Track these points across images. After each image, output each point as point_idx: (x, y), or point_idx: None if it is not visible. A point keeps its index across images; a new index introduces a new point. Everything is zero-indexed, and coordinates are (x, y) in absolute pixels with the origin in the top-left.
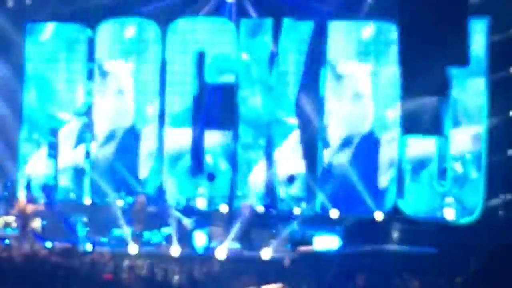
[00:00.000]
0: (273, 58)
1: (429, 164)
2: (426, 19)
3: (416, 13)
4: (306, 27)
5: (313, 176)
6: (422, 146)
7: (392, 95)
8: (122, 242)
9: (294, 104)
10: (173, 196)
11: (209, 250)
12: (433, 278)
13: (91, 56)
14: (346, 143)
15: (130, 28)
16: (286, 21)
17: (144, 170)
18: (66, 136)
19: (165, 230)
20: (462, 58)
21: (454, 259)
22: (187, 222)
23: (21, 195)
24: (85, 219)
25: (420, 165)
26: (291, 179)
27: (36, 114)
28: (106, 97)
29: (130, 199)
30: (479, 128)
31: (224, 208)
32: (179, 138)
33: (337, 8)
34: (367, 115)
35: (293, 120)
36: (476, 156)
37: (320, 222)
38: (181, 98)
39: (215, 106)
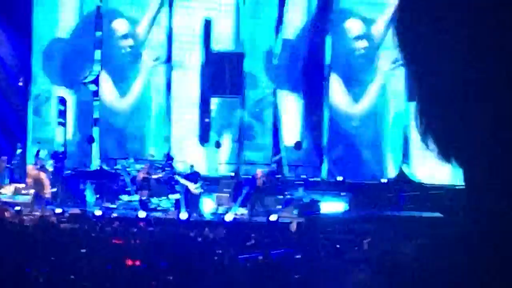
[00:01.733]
0: (278, 25)
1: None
2: None
3: None
4: None
5: (320, 142)
6: None
7: (397, 60)
8: (131, 208)
9: (300, 72)
10: (181, 162)
11: (216, 216)
12: (440, 242)
13: (98, 25)
14: (351, 109)
15: None
16: None
17: (151, 136)
18: (75, 104)
19: (173, 196)
20: None
21: (460, 223)
22: (192, 187)
23: (32, 162)
24: (94, 185)
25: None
26: (297, 146)
27: (44, 82)
28: (113, 64)
29: (138, 165)
30: None
31: (231, 175)
32: (187, 105)
33: None
34: (372, 81)
35: (299, 88)
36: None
37: (327, 187)
38: (187, 67)
39: (221, 73)
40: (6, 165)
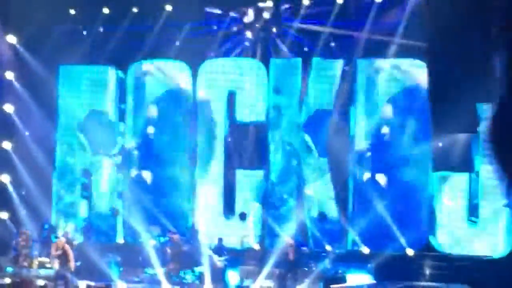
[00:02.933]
0: (303, 97)
1: (460, 200)
2: (454, 56)
3: (445, 50)
4: (335, 66)
5: (345, 213)
6: (453, 182)
7: (422, 131)
8: (156, 281)
9: (325, 143)
10: (206, 235)
11: None
12: None
13: (122, 97)
14: (377, 180)
15: (161, 68)
16: (315, 60)
17: (177, 209)
18: (99, 176)
19: (198, 269)
20: (491, 95)
21: None
22: (217, 260)
23: (58, 236)
24: (119, 258)
25: (451, 201)
26: (322, 217)
27: (68, 156)
28: (137, 137)
29: (163, 238)
30: None
31: (256, 247)
32: (211, 177)
33: (366, 47)
34: (397, 152)
35: (323, 159)
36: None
37: (352, 259)
38: (212, 138)
39: (246, 145)
40: (31, 239)
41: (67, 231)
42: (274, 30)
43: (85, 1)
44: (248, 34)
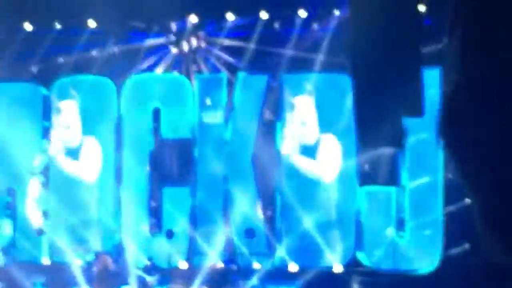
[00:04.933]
0: (228, 113)
1: (387, 215)
2: (379, 69)
3: (369, 64)
4: (260, 81)
5: (272, 230)
6: (380, 197)
7: (348, 146)
8: None
9: (251, 159)
10: (133, 254)
11: None
12: None
13: (46, 114)
14: (303, 195)
15: (84, 85)
16: (241, 75)
17: (102, 228)
18: (23, 195)
19: None
20: (416, 109)
21: None
22: (149, 280)
23: None
24: (43, 279)
25: (378, 216)
26: (250, 234)
27: None
28: (61, 155)
29: (89, 257)
30: (436, 177)
31: (183, 265)
32: (137, 195)
33: (290, 61)
34: (323, 167)
35: (250, 175)
36: (434, 206)
37: (280, 276)
38: (137, 155)
39: (172, 162)
40: None
41: None
42: (198, 44)
43: (6, 15)
44: (173, 49)
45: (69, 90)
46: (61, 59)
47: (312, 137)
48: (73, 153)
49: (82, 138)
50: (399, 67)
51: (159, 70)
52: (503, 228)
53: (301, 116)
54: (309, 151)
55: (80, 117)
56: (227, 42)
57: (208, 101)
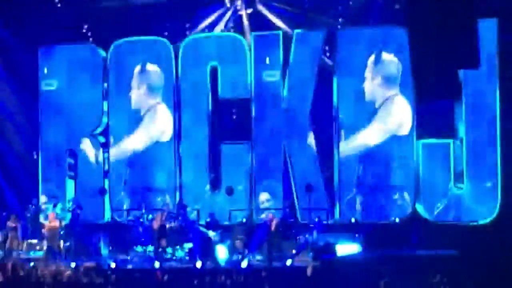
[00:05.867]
0: (285, 70)
1: (445, 167)
2: (435, 23)
3: (425, 17)
4: (316, 38)
5: (331, 184)
6: (438, 149)
7: (405, 100)
8: (145, 259)
9: (308, 115)
10: (194, 210)
11: (231, 263)
12: (455, 280)
13: (105, 76)
14: (362, 150)
15: (143, 46)
16: (297, 33)
17: (163, 186)
18: (85, 156)
19: (187, 245)
20: (472, 61)
21: (474, 259)
22: (211, 235)
23: (49, 216)
24: (107, 238)
25: (436, 168)
26: (309, 188)
27: (53, 136)
28: (122, 115)
29: (151, 215)
30: (493, 129)
31: (244, 221)
32: (196, 153)
33: (347, 16)
34: (380, 121)
35: (308, 131)
36: (491, 158)
37: (340, 229)
38: (196, 114)
39: (230, 120)
40: (18, 222)
41: (53, 211)
42: (255, 3)
43: None
44: (229, 8)
45: (127, 52)
46: (117, 20)
47: (373, 91)
48: (136, 115)
49: (145, 100)
50: (454, 20)
51: (216, 29)
52: None
53: (363, 71)
54: (369, 107)
55: (141, 79)
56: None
57: (266, 60)
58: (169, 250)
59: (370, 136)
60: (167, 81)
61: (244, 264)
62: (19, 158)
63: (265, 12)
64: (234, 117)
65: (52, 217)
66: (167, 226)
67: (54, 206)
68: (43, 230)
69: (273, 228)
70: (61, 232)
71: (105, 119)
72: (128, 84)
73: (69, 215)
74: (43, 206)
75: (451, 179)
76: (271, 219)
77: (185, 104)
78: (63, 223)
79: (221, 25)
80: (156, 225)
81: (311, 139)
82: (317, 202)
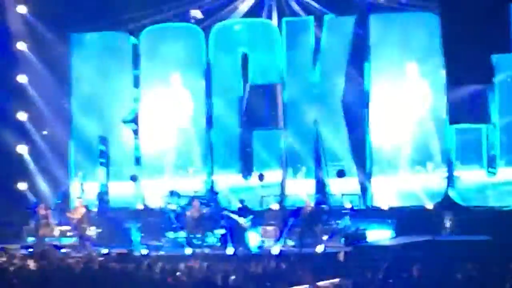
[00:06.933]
0: (316, 55)
1: (478, 152)
2: (467, 7)
3: (457, 1)
4: (347, 23)
5: (363, 169)
6: (470, 134)
7: (437, 85)
8: (177, 245)
9: (341, 100)
10: (225, 197)
11: (263, 249)
12: (488, 265)
13: (136, 63)
14: (393, 135)
15: (173, 33)
16: (328, 18)
17: (195, 172)
18: (116, 143)
19: (219, 232)
20: (505, 45)
21: (506, 245)
22: (242, 222)
23: (77, 203)
24: (139, 224)
25: (469, 153)
26: (341, 174)
27: (84, 123)
28: (152, 102)
29: (183, 201)
30: None
31: (275, 207)
32: (228, 139)
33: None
34: (413, 106)
35: (340, 116)
36: None
37: (372, 215)
38: (227, 100)
39: (261, 106)
40: (49, 209)
41: (86, 198)
42: None
43: None
44: None
45: (158, 39)
46: (147, 7)
47: (405, 76)
48: (167, 101)
49: (176, 86)
50: (486, 4)
51: (246, 15)
52: None
53: (389, 56)
54: (401, 91)
55: (171, 65)
56: None
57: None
58: (200, 236)
59: (402, 121)
60: (198, 67)
61: (275, 250)
62: (51, 145)
63: None
64: (266, 102)
65: (80, 204)
66: (200, 213)
67: (82, 193)
68: (72, 217)
69: (305, 214)
70: (92, 219)
71: (136, 106)
72: (159, 71)
73: (96, 203)
74: (74, 193)
75: (484, 164)
76: (306, 205)
77: (216, 91)
78: (93, 210)
79: (250, 10)
80: (195, 213)
81: (343, 125)
82: (349, 187)
